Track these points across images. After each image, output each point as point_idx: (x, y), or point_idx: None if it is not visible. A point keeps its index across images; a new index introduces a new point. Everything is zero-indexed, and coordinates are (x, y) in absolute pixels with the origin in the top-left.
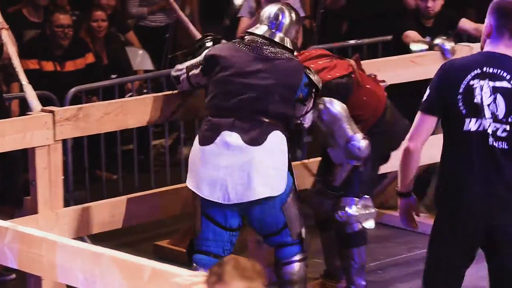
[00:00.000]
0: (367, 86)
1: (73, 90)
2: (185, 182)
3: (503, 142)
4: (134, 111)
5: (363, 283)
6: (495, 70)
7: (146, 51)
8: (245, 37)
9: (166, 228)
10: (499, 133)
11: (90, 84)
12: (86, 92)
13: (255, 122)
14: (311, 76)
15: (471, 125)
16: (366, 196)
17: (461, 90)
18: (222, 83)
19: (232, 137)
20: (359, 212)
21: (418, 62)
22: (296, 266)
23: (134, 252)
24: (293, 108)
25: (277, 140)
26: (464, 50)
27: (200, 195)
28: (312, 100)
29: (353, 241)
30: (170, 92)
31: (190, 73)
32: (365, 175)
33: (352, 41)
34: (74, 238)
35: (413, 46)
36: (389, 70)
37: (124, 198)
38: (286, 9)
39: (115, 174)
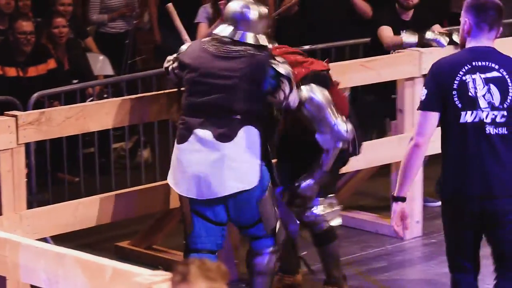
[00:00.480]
0: (336, 87)
1: (35, 95)
2: (144, 184)
3: (503, 128)
4: (94, 115)
5: (342, 274)
6: (484, 63)
7: (107, 57)
8: (213, 37)
9: (126, 229)
10: (498, 119)
11: (52, 89)
12: (48, 97)
13: (226, 120)
14: (276, 67)
15: (467, 117)
16: (330, 195)
17: (455, 86)
18: (191, 84)
19: (204, 134)
20: (325, 211)
21: (369, 67)
22: (267, 258)
23: (96, 252)
24: (262, 102)
25: (249, 135)
26: (414, 54)
27: (178, 192)
28: (287, 87)
29: (324, 239)
30: (174, 90)
31: (174, 65)
32: (328, 176)
33: (320, 45)
34: (37, 239)
35: (406, 38)
36: (340, 74)
37: (85, 200)
38: (251, 5)
39: (77, 176)
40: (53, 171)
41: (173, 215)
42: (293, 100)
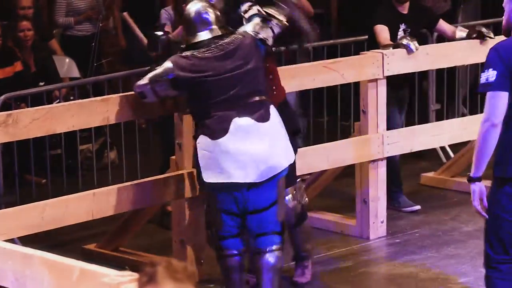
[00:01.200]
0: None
1: (2, 97)
2: (111, 185)
3: None
4: (61, 117)
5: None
6: None
7: (73, 59)
8: (193, 45)
9: (93, 230)
10: None
11: (19, 91)
12: (15, 99)
13: (256, 103)
14: (260, 36)
15: None
16: (297, 180)
17: None
18: (210, 87)
19: (245, 121)
20: (295, 195)
21: (333, 68)
22: (275, 257)
23: (63, 253)
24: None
25: (275, 113)
26: (378, 56)
27: (234, 181)
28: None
29: (299, 220)
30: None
31: (156, 87)
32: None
33: None
34: (5, 240)
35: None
36: (304, 75)
37: (52, 201)
38: (205, 5)
39: (44, 178)
40: (20, 173)
41: (140, 217)
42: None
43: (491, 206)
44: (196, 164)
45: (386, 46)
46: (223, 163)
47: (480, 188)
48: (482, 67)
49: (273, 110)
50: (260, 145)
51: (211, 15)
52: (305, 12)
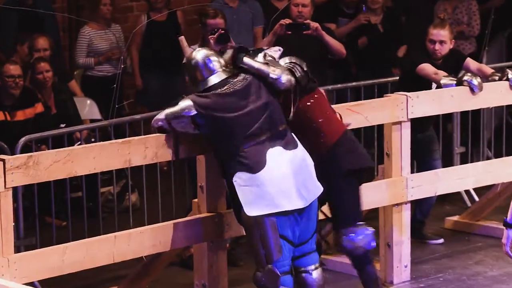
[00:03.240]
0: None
1: (23, 139)
2: (132, 228)
3: None
4: (82, 159)
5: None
6: None
7: (94, 100)
8: (208, 88)
9: (114, 273)
10: None
11: (40, 133)
12: (36, 141)
13: (281, 132)
14: (272, 74)
15: None
16: (359, 223)
17: None
18: (234, 123)
19: (277, 150)
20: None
21: (356, 111)
22: (318, 275)
23: None
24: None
25: (298, 140)
26: (401, 98)
27: (283, 209)
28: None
29: (363, 261)
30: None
31: (173, 124)
32: (349, 201)
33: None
34: (25, 284)
35: (444, 80)
36: None
37: (73, 244)
38: (210, 52)
39: (64, 220)
40: (41, 215)
41: (161, 260)
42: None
43: None
44: (232, 202)
45: (447, 77)
46: (267, 195)
47: None
48: (508, 109)
49: (296, 138)
50: (297, 171)
51: (215, 63)
52: (337, 53)
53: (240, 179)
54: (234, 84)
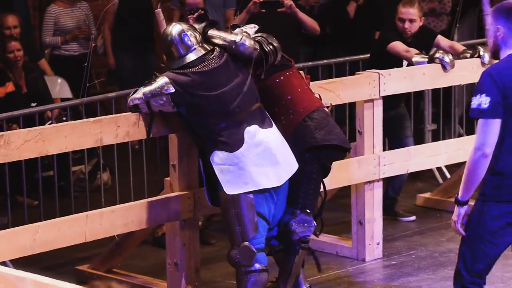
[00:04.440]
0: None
1: None
2: (104, 207)
3: None
4: (53, 138)
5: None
6: None
7: (63, 79)
8: (186, 64)
9: (86, 252)
10: None
11: (11, 112)
12: (6, 120)
13: (256, 111)
14: (240, 43)
15: None
16: (307, 210)
17: None
18: (213, 102)
19: (253, 128)
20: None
21: (328, 89)
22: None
23: (56, 276)
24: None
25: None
26: (374, 76)
27: (261, 187)
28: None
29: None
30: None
31: (152, 102)
32: (313, 193)
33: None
34: None
35: (415, 58)
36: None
37: (45, 223)
38: (185, 27)
39: (36, 199)
40: (12, 194)
41: (133, 238)
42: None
43: (474, 226)
44: (205, 181)
45: (418, 54)
46: (246, 173)
47: (465, 212)
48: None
49: (269, 116)
50: (273, 149)
51: (192, 38)
52: (311, 30)
53: (218, 158)
54: (211, 61)
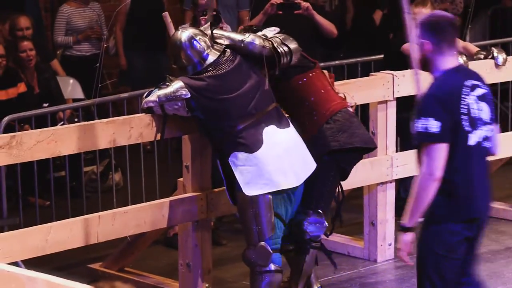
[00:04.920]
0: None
1: (6, 118)
2: (116, 208)
3: (489, 142)
4: (66, 139)
5: None
6: (471, 81)
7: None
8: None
9: (98, 253)
10: (488, 134)
11: (23, 112)
12: (19, 121)
13: (273, 111)
14: (253, 44)
15: (473, 138)
16: (319, 211)
17: (463, 110)
18: (230, 105)
19: (272, 129)
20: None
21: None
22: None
23: (68, 276)
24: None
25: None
26: (388, 77)
27: (281, 188)
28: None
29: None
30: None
31: (166, 106)
32: (328, 195)
33: None
34: (8, 263)
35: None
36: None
37: (57, 223)
38: (195, 32)
39: (48, 200)
40: (24, 195)
41: (145, 238)
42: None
43: (433, 246)
44: (226, 183)
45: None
46: (265, 174)
47: (412, 238)
48: (492, 87)
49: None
50: (291, 150)
51: (202, 43)
52: (329, 33)
53: (237, 159)
54: (224, 64)
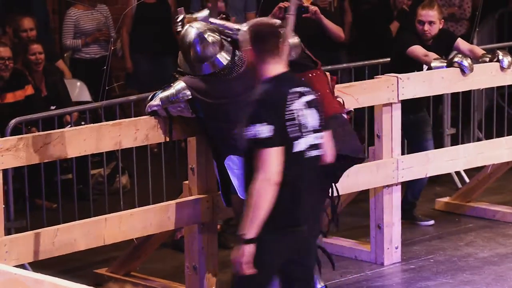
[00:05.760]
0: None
1: (13, 121)
2: (123, 210)
3: (319, 149)
4: (73, 142)
5: None
6: (298, 89)
7: (82, 82)
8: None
9: (105, 255)
10: (317, 141)
11: (30, 115)
12: (26, 123)
13: None
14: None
15: (300, 144)
16: None
17: (287, 117)
18: (230, 108)
19: None
20: None
21: (347, 92)
22: None
23: (74, 279)
24: None
25: None
26: (392, 80)
27: None
28: None
29: None
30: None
31: (170, 108)
32: None
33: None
34: (15, 266)
35: (434, 63)
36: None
37: (64, 226)
38: (202, 29)
39: (55, 202)
40: (31, 197)
41: (152, 241)
42: None
43: (263, 259)
44: (221, 185)
45: (437, 59)
46: None
47: (253, 249)
48: (498, 90)
49: None
50: None
51: (210, 38)
52: (336, 37)
53: (233, 163)
54: (234, 67)
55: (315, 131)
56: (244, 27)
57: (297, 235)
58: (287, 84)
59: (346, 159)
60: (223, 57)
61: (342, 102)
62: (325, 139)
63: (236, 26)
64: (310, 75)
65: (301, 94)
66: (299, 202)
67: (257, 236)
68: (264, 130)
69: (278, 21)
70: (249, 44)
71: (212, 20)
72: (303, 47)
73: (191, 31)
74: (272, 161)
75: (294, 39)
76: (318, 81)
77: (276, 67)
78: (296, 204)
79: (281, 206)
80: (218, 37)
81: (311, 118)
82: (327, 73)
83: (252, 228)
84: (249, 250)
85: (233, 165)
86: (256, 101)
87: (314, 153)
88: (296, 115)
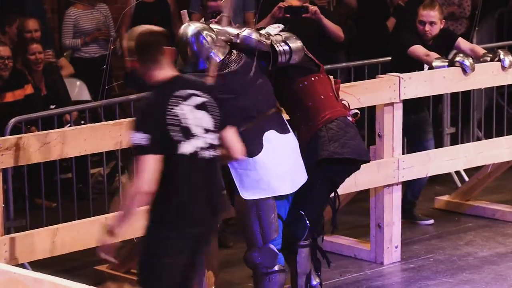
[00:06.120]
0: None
1: (13, 120)
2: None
3: (213, 149)
4: (72, 141)
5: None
6: (187, 91)
7: (82, 81)
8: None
9: None
10: (212, 141)
11: (29, 114)
12: (25, 123)
13: (273, 115)
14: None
15: (187, 147)
16: (301, 212)
17: (169, 121)
18: (238, 105)
19: (271, 134)
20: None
21: (348, 92)
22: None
23: (74, 278)
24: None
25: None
26: (394, 79)
27: (278, 194)
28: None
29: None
30: None
31: None
32: (313, 201)
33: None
34: (15, 265)
35: (436, 63)
36: None
37: (63, 225)
38: (200, 29)
39: (54, 202)
40: (31, 197)
41: None
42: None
43: (152, 253)
44: (226, 185)
45: (438, 59)
46: (264, 178)
47: (114, 242)
48: (498, 89)
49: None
50: (290, 156)
51: (208, 38)
52: (336, 37)
53: (236, 162)
54: (230, 63)
55: (209, 131)
56: (243, 31)
57: (194, 235)
58: (173, 87)
59: (347, 163)
60: (219, 54)
61: (347, 105)
62: (229, 137)
63: (235, 31)
64: (312, 78)
65: (191, 96)
66: (190, 202)
67: (155, 238)
68: (141, 138)
69: (159, 28)
70: (134, 55)
71: (213, 26)
72: (305, 50)
73: (189, 28)
74: (146, 169)
75: (297, 43)
76: (320, 84)
77: (161, 73)
78: (185, 205)
79: (171, 207)
80: (215, 36)
81: (203, 119)
82: (331, 77)
83: (117, 227)
84: (110, 241)
85: (237, 164)
86: (137, 109)
87: (207, 153)
88: (180, 118)
